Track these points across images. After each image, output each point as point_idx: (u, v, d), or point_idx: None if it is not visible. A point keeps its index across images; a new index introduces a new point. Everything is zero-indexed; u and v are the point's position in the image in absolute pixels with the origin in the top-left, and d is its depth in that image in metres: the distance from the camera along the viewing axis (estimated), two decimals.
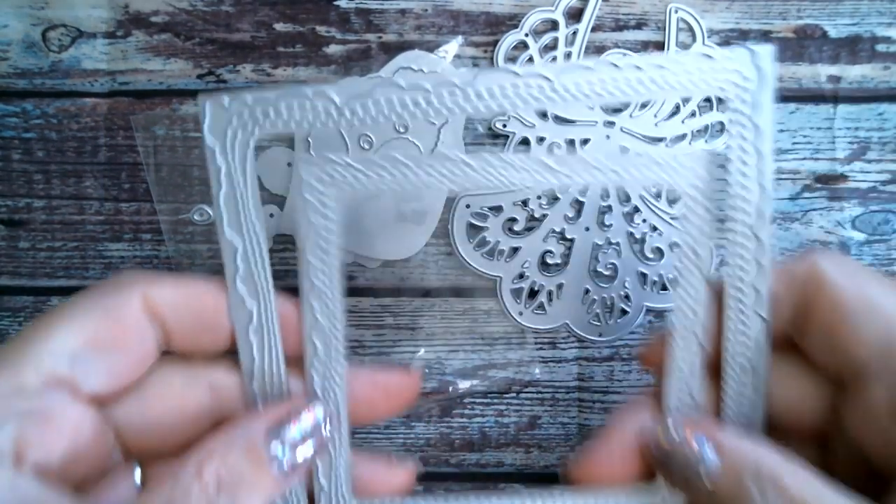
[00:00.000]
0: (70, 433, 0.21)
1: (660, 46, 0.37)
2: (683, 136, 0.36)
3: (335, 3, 0.37)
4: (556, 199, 0.37)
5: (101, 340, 0.22)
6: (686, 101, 0.36)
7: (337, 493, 0.25)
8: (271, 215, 0.37)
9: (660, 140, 0.36)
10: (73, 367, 0.21)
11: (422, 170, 0.23)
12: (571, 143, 0.36)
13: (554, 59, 0.36)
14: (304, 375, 0.25)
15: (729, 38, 0.37)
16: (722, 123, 0.37)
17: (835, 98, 0.37)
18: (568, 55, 0.36)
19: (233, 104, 0.23)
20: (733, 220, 0.24)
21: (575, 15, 0.37)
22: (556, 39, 0.36)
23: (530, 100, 0.23)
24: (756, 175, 0.23)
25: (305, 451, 0.23)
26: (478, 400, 0.38)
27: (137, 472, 0.25)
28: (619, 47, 0.37)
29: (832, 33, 0.37)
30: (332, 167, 0.23)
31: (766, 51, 0.23)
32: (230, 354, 0.24)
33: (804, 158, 0.37)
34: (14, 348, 0.21)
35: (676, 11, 0.36)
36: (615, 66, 0.22)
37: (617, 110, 0.37)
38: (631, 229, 0.37)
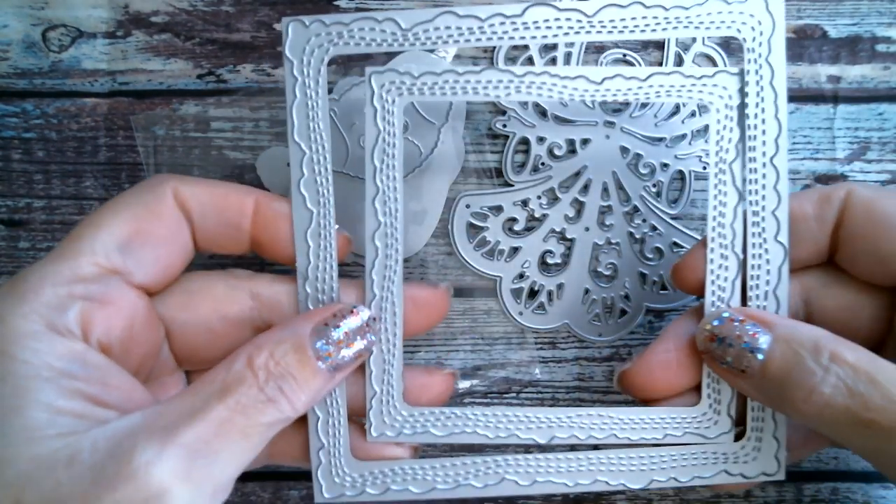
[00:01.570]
0: (126, 316, 0.24)
1: (659, 46, 0.37)
2: (684, 137, 0.36)
3: (335, 3, 0.37)
4: (557, 199, 0.37)
5: (144, 233, 0.24)
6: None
7: (388, 398, 0.26)
8: None
9: (660, 140, 0.36)
10: (124, 258, 0.24)
11: (480, 83, 0.26)
12: (571, 142, 0.36)
13: (554, 59, 0.36)
14: (358, 282, 0.27)
15: (729, 37, 0.37)
16: None
17: (835, 98, 0.37)
18: (568, 55, 0.36)
19: (312, 24, 0.26)
20: (753, 152, 0.26)
21: None
22: None
23: (569, 31, 0.26)
24: (773, 111, 0.25)
25: (350, 351, 0.24)
26: (478, 400, 0.38)
27: (184, 379, 0.27)
28: (618, 47, 0.37)
29: (832, 33, 0.37)
30: (398, 77, 0.26)
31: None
32: (268, 266, 0.26)
33: (804, 158, 0.37)
34: (69, 243, 0.24)
35: None
36: (643, 4, 0.25)
37: (617, 110, 0.37)
38: (631, 229, 0.37)
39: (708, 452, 0.27)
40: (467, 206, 0.37)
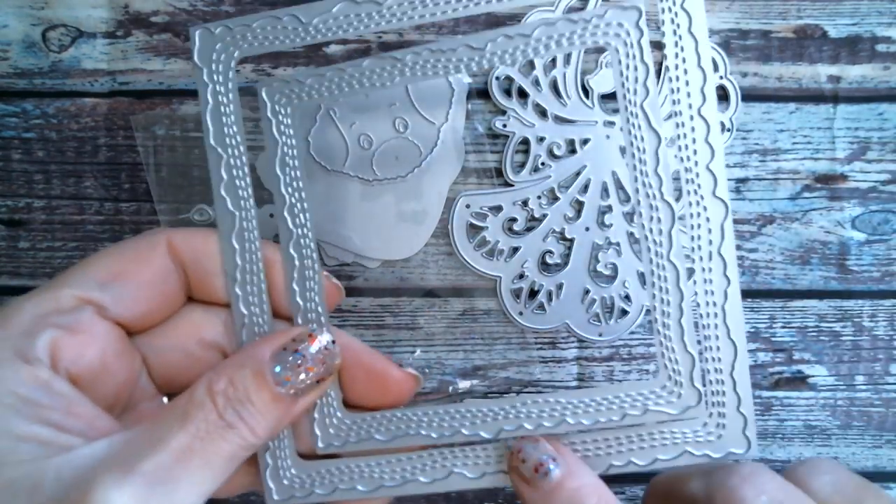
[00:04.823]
0: (98, 346, 0.24)
1: (659, 46, 0.37)
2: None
3: None
4: (556, 198, 0.37)
5: (127, 273, 0.25)
6: None
7: (330, 408, 0.26)
8: (271, 215, 0.37)
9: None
10: (102, 293, 0.24)
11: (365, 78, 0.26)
12: (571, 142, 0.36)
13: (553, 59, 0.36)
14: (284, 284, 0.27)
15: (729, 37, 0.37)
16: (722, 123, 0.37)
17: (835, 98, 0.37)
18: (568, 55, 0.36)
19: (218, 30, 0.26)
20: (678, 105, 0.25)
21: None
22: None
23: (469, 4, 0.26)
24: (696, 59, 0.25)
25: (309, 375, 0.24)
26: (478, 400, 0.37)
27: (164, 402, 0.27)
28: None
29: (832, 33, 0.37)
30: (287, 87, 0.27)
31: None
32: None
33: (804, 158, 0.37)
34: (56, 279, 0.24)
35: None
36: None
37: (617, 110, 0.36)
38: (631, 229, 0.37)
39: (667, 432, 0.25)
40: (467, 206, 0.37)
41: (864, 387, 0.38)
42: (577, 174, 0.37)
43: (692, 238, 0.25)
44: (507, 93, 0.37)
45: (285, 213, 0.26)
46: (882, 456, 0.38)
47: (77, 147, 0.37)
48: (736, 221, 0.37)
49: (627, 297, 0.37)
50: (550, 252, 0.37)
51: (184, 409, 0.22)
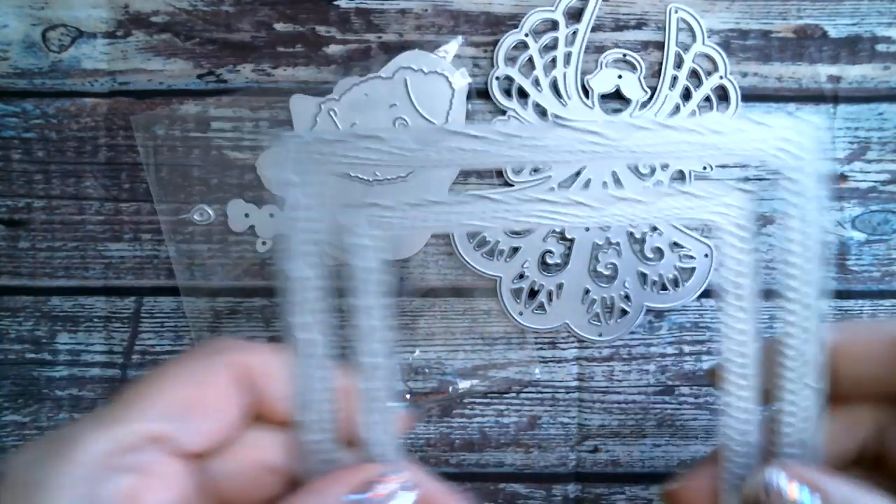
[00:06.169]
0: (172, 489, 0.23)
1: (659, 46, 0.37)
2: None
3: (335, 3, 0.37)
4: None
5: (193, 402, 0.23)
6: (686, 99, 0.36)
7: None
8: (271, 215, 0.37)
9: None
10: (170, 426, 0.23)
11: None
12: None
13: (553, 59, 0.36)
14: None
15: (729, 37, 0.37)
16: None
17: (835, 98, 0.37)
18: (568, 55, 0.36)
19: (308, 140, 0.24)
20: (785, 287, 0.23)
21: (575, 15, 0.37)
22: (555, 39, 0.36)
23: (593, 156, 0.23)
24: (802, 240, 0.23)
25: None
26: (478, 400, 0.37)
27: None
28: (619, 47, 0.37)
29: (832, 33, 0.37)
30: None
31: (818, 122, 0.23)
32: None
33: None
34: (115, 409, 0.22)
35: (676, 11, 0.36)
36: (676, 129, 0.23)
37: (617, 110, 0.37)
38: (631, 229, 0.37)
39: None
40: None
41: None
42: (577, 174, 0.37)
43: (782, 414, 0.24)
44: (508, 93, 0.37)
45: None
46: None
47: (77, 147, 0.37)
48: None
49: (627, 297, 0.37)
50: (550, 252, 0.37)
51: None
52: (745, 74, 0.37)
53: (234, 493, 0.25)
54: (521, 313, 0.37)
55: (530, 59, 0.36)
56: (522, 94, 0.37)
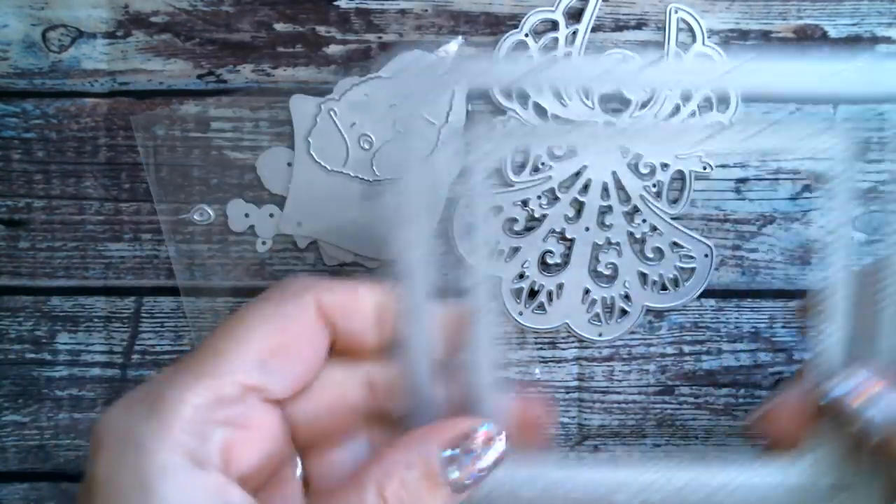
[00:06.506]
0: (265, 439, 0.23)
1: (660, 46, 0.37)
2: None
3: (335, 3, 0.37)
4: (557, 199, 0.37)
5: (282, 348, 0.23)
6: (686, 100, 0.36)
7: None
8: (271, 215, 0.37)
9: None
10: (262, 375, 0.22)
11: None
12: None
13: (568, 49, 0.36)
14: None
15: (729, 38, 0.37)
16: (721, 123, 0.36)
17: (835, 98, 0.37)
18: (568, 55, 0.36)
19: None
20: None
21: (575, 15, 0.37)
22: (555, 40, 0.36)
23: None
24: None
25: (479, 471, 0.23)
26: None
27: (299, 466, 0.25)
28: (618, 47, 0.37)
29: (832, 33, 0.37)
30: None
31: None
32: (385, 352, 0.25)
33: (804, 158, 0.37)
34: (207, 359, 0.22)
35: (676, 11, 0.36)
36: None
37: (617, 110, 0.37)
38: (631, 229, 0.37)
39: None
40: (467, 206, 0.37)
41: None
42: (578, 174, 0.37)
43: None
44: (508, 93, 0.37)
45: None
46: None
47: (77, 147, 0.37)
48: (736, 221, 0.37)
49: (627, 297, 0.37)
50: (550, 252, 0.37)
51: None
52: None
53: (314, 434, 0.25)
54: (521, 313, 0.37)
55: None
56: (522, 94, 0.37)
